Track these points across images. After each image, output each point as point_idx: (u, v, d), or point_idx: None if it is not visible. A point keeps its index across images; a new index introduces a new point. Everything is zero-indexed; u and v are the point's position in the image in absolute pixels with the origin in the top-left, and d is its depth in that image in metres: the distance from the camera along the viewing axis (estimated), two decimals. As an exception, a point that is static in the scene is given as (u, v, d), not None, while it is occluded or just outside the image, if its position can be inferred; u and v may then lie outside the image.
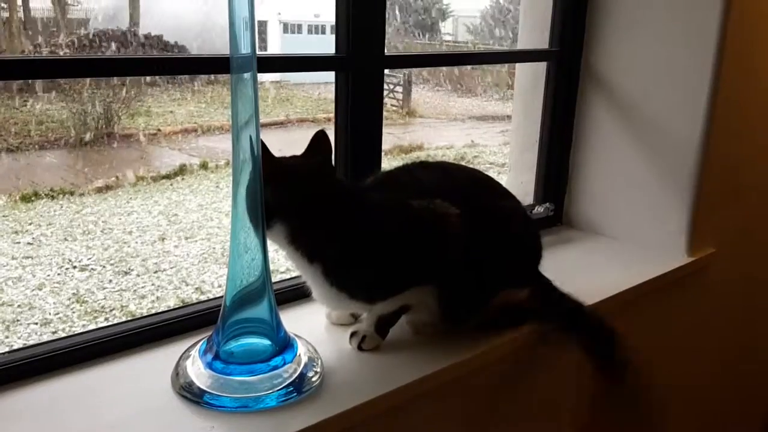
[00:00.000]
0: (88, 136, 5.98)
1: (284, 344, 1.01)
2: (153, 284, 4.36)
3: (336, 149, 1.30)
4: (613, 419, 1.42)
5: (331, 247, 1.03)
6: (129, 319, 1.11)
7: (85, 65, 0.99)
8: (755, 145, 1.70)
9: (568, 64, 1.64)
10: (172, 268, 4.57)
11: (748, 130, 1.65)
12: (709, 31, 1.44)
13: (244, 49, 0.92)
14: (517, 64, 1.80)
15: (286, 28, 7.59)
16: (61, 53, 5.70)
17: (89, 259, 4.62)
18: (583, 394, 1.46)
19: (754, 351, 2.09)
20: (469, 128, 8.14)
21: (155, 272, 4.51)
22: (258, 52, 0.94)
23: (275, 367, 0.98)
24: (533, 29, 1.69)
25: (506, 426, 1.30)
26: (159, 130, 6.46)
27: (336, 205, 1.04)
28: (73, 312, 3.97)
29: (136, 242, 4.88)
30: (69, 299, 4.11)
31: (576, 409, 1.46)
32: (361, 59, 1.22)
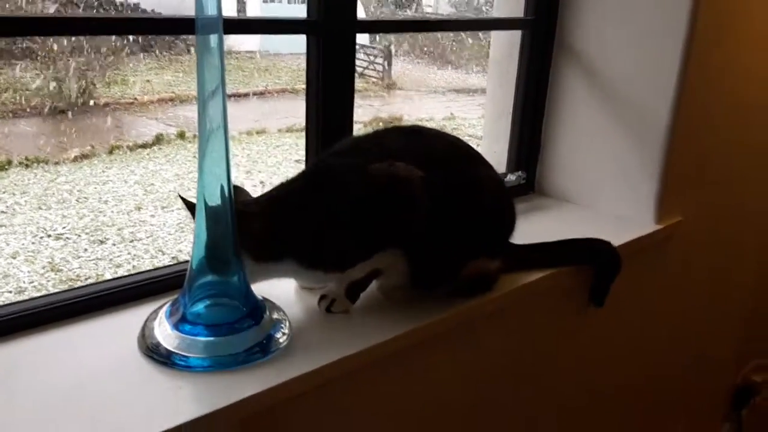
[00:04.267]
0: (63, 105, 5.89)
1: (252, 306, 1.02)
2: (129, 253, 4.34)
3: (307, 114, 1.29)
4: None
5: (297, 241, 1.03)
6: (94, 282, 1.10)
7: (52, 24, 0.97)
8: (723, 117, 1.72)
9: (543, 33, 1.64)
10: (148, 237, 4.55)
11: (717, 103, 1.67)
12: (681, 5, 1.44)
13: (210, 10, 0.91)
14: (493, 34, 1.80)
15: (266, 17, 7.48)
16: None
17: (64, 228, 4.59)
18: (541, 355, 1.49)
19: (719, 314, 2.13)
20: (448, 101, 8.13)
21: (131, 241, 4.49)
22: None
23: (242, 329, 0.98)
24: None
25: (469, 390, 1.32)
26: (135, 99, 6.38)
27: (279, 213, 1.03)
28: (48, 281, 3.95)
29: (112, 211, 4.85)
30: (44, 268, 4.08)
31: (541, 372, 1.49)
32: (333, 23, 1.21)
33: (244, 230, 0.98)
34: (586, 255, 1.36)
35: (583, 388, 1.63)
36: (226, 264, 0.99)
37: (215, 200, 0.95)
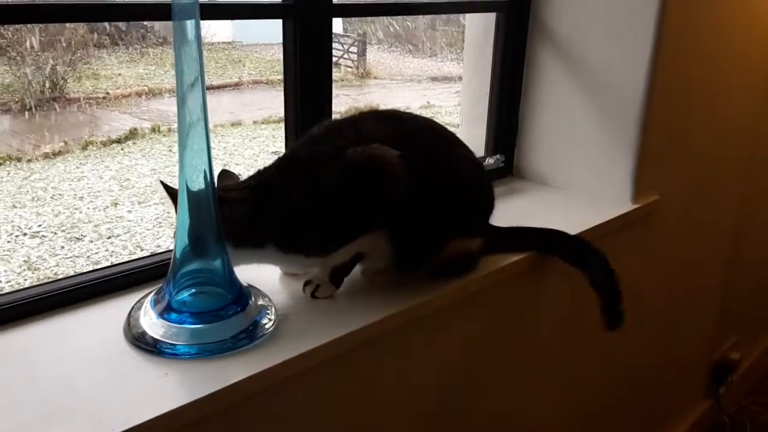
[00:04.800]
0: (33, 101, 5.80)
1: (237, 293, 1.02)
2: (107, 250, 4.30)
3: (285, 100, 1.29)
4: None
5: (275, 228, 1.03)
6: (78, 273, 1.10)
7: (20, 12, 0.96)
8: (696, 98, 1.75)
9: (518, 16, 1.65)
10: (126, 233, 4.51)
11: (692, 81, 1.69)
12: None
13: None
14: (468, 18, 1.80)
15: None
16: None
17: (39, 225, 4.53)
18: (523, 334, 1.51)
19: (697, 291, 2.17)
20: (424, 89, 8.14)
21: (108, 238, 4.45)
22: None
23: (228, 315, 0.98)
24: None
25: (455, 371, 1.33)
26: (108, 93, 6.30)
27: (259, 199, 1.04)
28: (25, 279, 3.90)
29: (88, 208, 4.79)
30: (20, 266, 4.03)
31: (524, 351, 1.50)
32: (308, 7, 1.21)
33: (224, 217, 0.99)
34: (572, 253, 1.33)
35: (565, 367, 1.65)
36: (209, 251, 0.99)
37: (197, 189, 0.95)
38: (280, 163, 1.09)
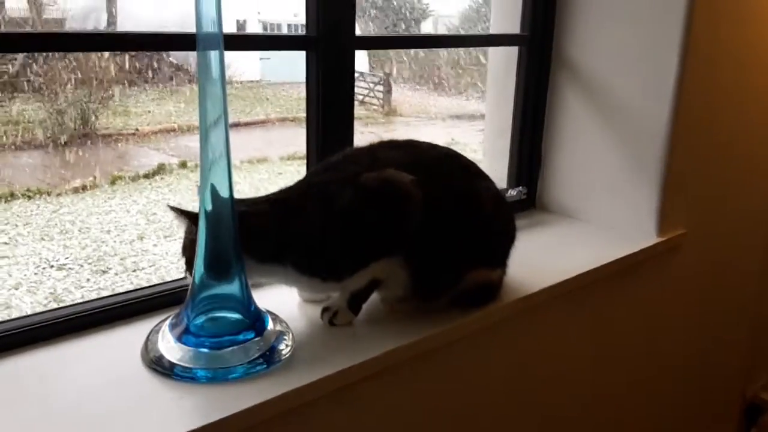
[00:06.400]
0: (65, 137, 5.92)
1: (255, 318, 1.02)
2: (131, 282, 4.32)
3: (307, 131, 1.30)
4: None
5: (296, 247, 1.03)
6: (98, 297, 1.10)
7: (51, 39, 0.98)
8: (721, 129, 1.73)
9: (539, 49, 1.66)
10: (151, 266, 4.54)
11: (713, 115, 1.68)
12: (677, 17, 1.46)
13: (211, 27, 0.92)
14: (490, 52, 1.82)
15: (266, 27, 7.58)
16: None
17: (66, 258, 4.58)
18: (543, 367, 1.48)
19: (724, 327, 2.12)
20: (449, 126, 8.16)
21: (134, 271, 4.48)
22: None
23: (245, 340, 0.98)
24: (505, 16, 1.71)
25: (473, 401, 1.31)
26: (137, 129, 6.41)
27: (280, 216, 1.04)
28: (51, 311, 3.93)
29: (114, 241, 4.84)
30: (46, 298, 4.06)
31: (543, 384, 1.47)
32: (331, 39, 1.22)
33: (247, 230, 0.99)
34: None
35: (587, 402, 1.61)
36: (228, 276, 0.99)
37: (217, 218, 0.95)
38: (299, 185, 1.10)
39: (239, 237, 0.97)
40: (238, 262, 0.99)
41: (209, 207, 0.95)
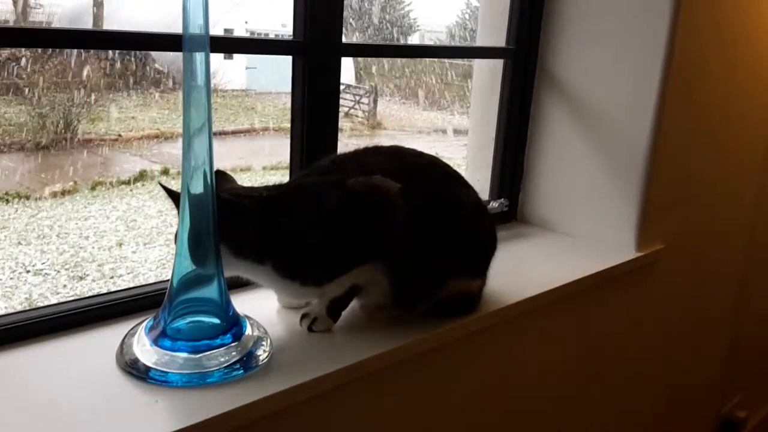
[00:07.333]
0: (45, 140, 5.87)
1: (233, 323, 1.01)
2: (108, 290, 4.28)
3: (291, 136, 1.30)
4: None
5: (277, 247, 1.02)
6: (74, 299, 1.09)
7: (34, 35, 0.97)
8: (704, 145, 1.75)
9: (524, 62, 1.67)
10: (129, 273, 4.49)
11: (696, 131, 1.70)
12: (660, 34, 1.48)
13: (197, 29, 0.92)
14: (475, 64, 1.83)
15: (253, 36, 7.58)
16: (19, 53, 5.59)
17: (43, 263, 4.52)
18: (524, 382, 1.48)
19: (701, 343, 2.14)
20: (433, 141, 8.20)
21: (111, 278, 4.43)
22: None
23: (222, 345, 0.97)
24: (492, 30, 1.72)
25: (451, 411, 1.30)
26: (120, 135, 6.37)
27: (266, 213, 1.02)
28: (26, 316, 3.88)
29: (93, 247, 4.79)
30: (21, 303, 4.01)
31: (521, 395, 1.47)
32: (318, 45, 1.23)
33: (229, 221, 0.98)
34: None
35: (565, 414, 1.61)
36: (209, 279, 0.98)
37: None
38: (286, 188, 1.09)
39: (219, 229, 0.96)
40: (217, 263, 0.98)
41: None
